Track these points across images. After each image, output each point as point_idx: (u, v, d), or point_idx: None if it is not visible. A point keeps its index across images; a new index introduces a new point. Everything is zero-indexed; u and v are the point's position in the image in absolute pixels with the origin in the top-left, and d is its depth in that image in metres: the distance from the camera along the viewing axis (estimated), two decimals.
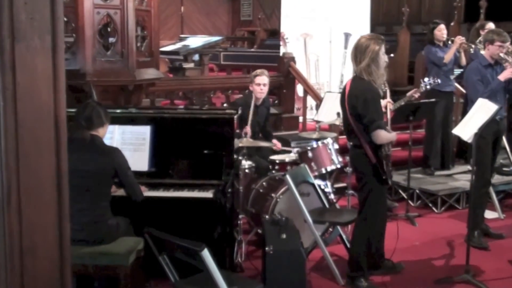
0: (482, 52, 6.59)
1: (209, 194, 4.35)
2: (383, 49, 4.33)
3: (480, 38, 7.12)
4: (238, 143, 5.07)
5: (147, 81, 5.57)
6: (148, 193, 4.32)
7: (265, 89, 6.03)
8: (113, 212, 3.99)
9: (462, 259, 4.89)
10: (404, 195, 6.74)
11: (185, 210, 4.45)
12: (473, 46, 7.23)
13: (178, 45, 9.61)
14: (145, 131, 4.56)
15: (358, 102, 4.27)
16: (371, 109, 4.25)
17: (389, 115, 4.78)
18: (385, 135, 4.30)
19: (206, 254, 3.08)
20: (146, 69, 5.50)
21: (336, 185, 6.43)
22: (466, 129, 4.87)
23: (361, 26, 9.18)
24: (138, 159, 4.48)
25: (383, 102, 4.70)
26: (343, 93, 4.48)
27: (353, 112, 4.33)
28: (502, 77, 5.38)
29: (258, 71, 6.04)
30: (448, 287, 4.70)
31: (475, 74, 5.46)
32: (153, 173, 4.52)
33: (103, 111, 4.00)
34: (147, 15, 5.58)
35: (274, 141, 6.18)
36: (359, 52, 4.33)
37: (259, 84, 5.98)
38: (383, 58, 4.34)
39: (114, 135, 4.52)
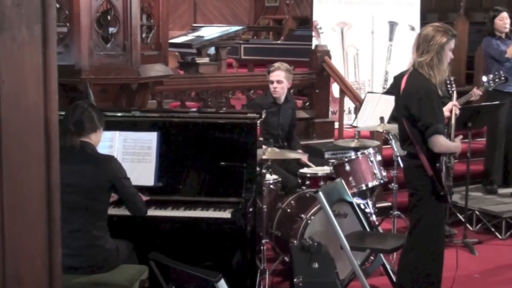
0: None
1: (226, 214, 4.35)
2: (450, 45, 4.35)
3: None
4: (261, 153, 5.07)
5: (153, 78, 5.60)
6: (154, 212, 4.34)
7: (280, 87, 6.08)
8: (113, 235, 4.00)
9: None
10: (461, 217, 6.69)
11: (198, 232, 4.46)
12: None
13: (191, 36, 9.65)
14: (151, 138, 4.57)
15: (412, 102, 4.28)
16: (427, 111, 4.24)
17: (453, 121, 4.76)
18: (445, 143, 4.30)
19: (222, 285, 3.08)
20: (152, 64, 5.53)
21: (379, 205, 6.41)
22: None
23: (410, 14, 9.19)
24: (143, 171, 4.49)
25: (448, 105, 4.69)
26: (398, 91, 4.49)
27: (407, 114, 4.33)
28: None
29: (275, 64, 6.10)
30: None
31: None
32: (160, 189, 4.53)
33: (97, 114, 4.02)
34: (154, 0, 5.62)
35: (299, 151, 6.21)
36: (423, 43, 4.35)
37: (272, 82, 6.03)
38: (449, 55, 4.37)
39: (114, 143, 4.55)
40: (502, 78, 6.49)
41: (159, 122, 4.73)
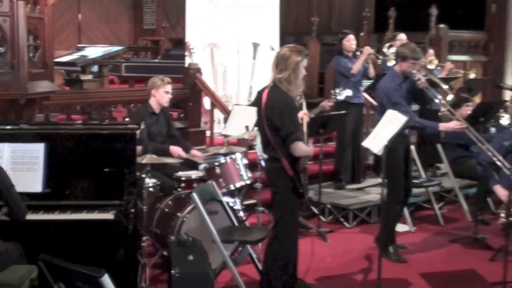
0: (389, 64, 6.85)
1: (109, 215, 4.28)
2: (304, 63, 4.47)
3: (386, 50, 7.41)
4: (140, 160, 5.02)
5: (40, 94, 5.43)
6: (42, 216, 4.22)
7: None
8: (3, 238, 3.86)
9: (374, 274, 5.05)
10: (315, 210, 6.87)
11: (84, 233, 4.35)
12: (380, 57, 7.52)
13: (75, 56, 9.39)
14: (39, 149, 4.44)
15: (275, 114, 4.35)
16: (288, 121, 4.33)
17: (305, 128, 4.88)
18: (303, 148, 4.40)
19: (106, 280, 3.02)
20: (39, 81, 5.37)
21: (246, 202, 6.46)
22: (376, 141, 5.05)
23: (270, 36, 9.33)
24: (31, 179, 4.35)
25: (299, 114, 4.80)
26: (259, 104, 4.54)
27: (270, 124, 4.39)
28: (443, 127, 5.61)
29: (167, 78, 6.15)
30: None
31: (396, 95, 5.52)
32: (48, 195, 4.39)
33: None
34: (40, 23, 5.46)
35: (193, 151, 6.17)
36: (281, 62, 4.42)
37: (168, 92, 6.07)
38: (302, 71, 4.48)
39: (3, 154, 4.38)
40: (348, 91, 6.74)
41: (46, 134, 4.59)
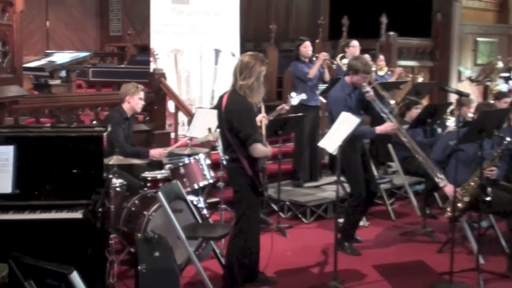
0: (345, 68, 6.92)
1: (78, 215, 4.22)
2: (264, 71, 4.49)
3: (339, 61, 7.49)
4: (108, 161, 4.97)
5: (9, 98, 5.35)
6: (12, 216, 4.13)
7: None
8: None
9: (331, 267, 5.09)
10: (275, 207, 6.91)
11: (54, 232, 4.28)
12: (335, 62, 7.60)
13: (44, 61, 9.24)
14: (8, 151, 4.35)
15: (233, 117, 4.37)
16: (246, 124, 4.35)
17: (264, 130, 4.91)
18: (262, 149, 4.43)
19: (75, 277, 2.98)
20: (8, 86, 5.29)
21: (209, 200, 6.47)
22: (331, 142, 5.09)
23: (231, 43, 9.35)
24: (1, 181, 4.26)
25: (258, 117, 4.82)
26: (219, 107, 4.54)
27: (229, 127, 4.41)
28: (379, 130, 5.57)
29: (140, 85, 6.11)
30: None
31: (342, 105, 5.54)
32: (18, 195, 4.31)
33: None
34: (9, 29, 5.37)
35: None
36: (245, 69, 4.43)
37: (141, 99, 6.06)
38: (262, 79, 4.50)
39: None
40: (303, 95, 6.79)
41: (16, 137, 4.50)
